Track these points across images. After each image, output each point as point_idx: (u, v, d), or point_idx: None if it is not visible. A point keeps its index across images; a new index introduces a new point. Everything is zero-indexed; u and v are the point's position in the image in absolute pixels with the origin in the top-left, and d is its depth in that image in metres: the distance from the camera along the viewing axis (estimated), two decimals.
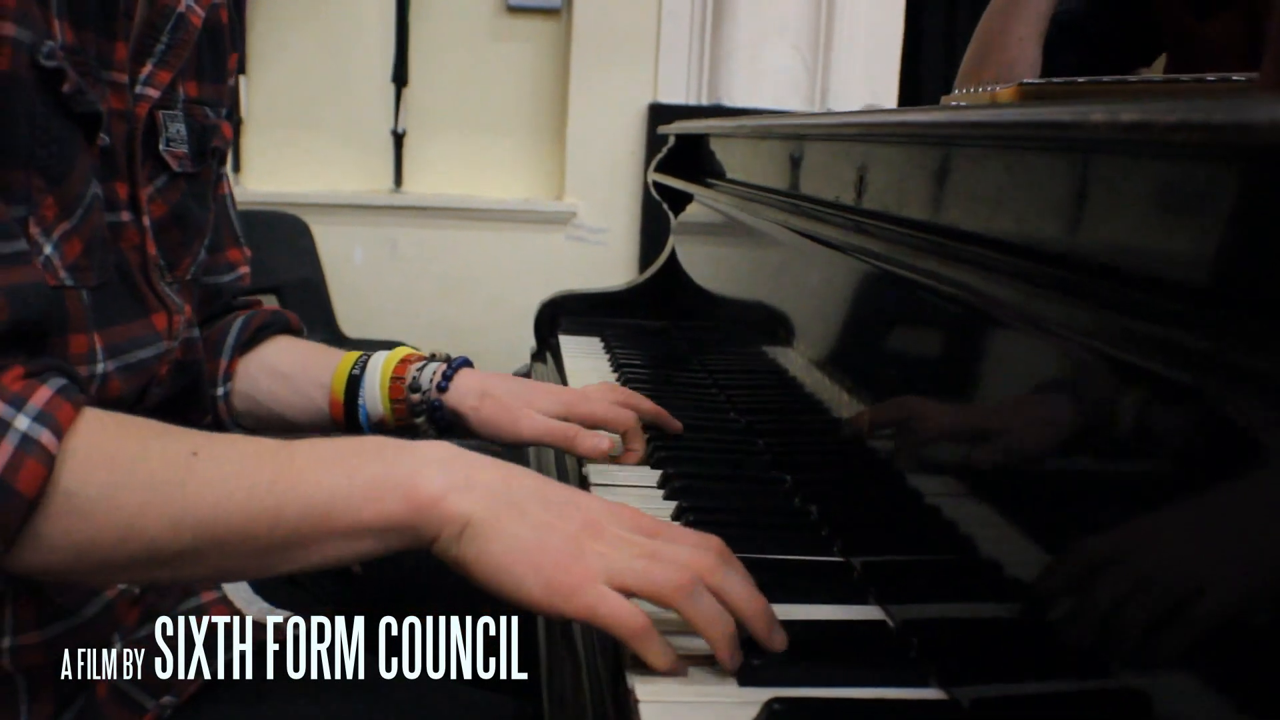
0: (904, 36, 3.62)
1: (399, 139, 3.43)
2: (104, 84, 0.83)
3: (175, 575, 0.73)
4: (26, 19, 0.72)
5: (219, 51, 1.04)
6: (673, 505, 0.93)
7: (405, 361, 1.03)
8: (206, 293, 1.06)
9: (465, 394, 1.00)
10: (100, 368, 0.81)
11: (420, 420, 1.01)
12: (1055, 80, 1.26)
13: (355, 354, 1.05)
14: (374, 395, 1.01)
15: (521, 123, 3.53)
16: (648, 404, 1.07)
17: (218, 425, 1.04)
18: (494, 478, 0.67)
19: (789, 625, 0.67)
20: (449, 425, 1.00)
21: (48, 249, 0.75)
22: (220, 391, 1.03)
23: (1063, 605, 0.54)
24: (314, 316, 3.31)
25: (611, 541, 0.64)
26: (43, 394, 0.65)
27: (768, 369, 1.17)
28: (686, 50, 3.40)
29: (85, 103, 0.77)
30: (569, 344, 1.63)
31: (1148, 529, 0.47)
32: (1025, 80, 1.26)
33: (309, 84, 3.43)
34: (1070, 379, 0.56)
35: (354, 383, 1.01)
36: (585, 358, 1.54)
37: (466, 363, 1.05)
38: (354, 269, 3.44)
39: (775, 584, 0.71)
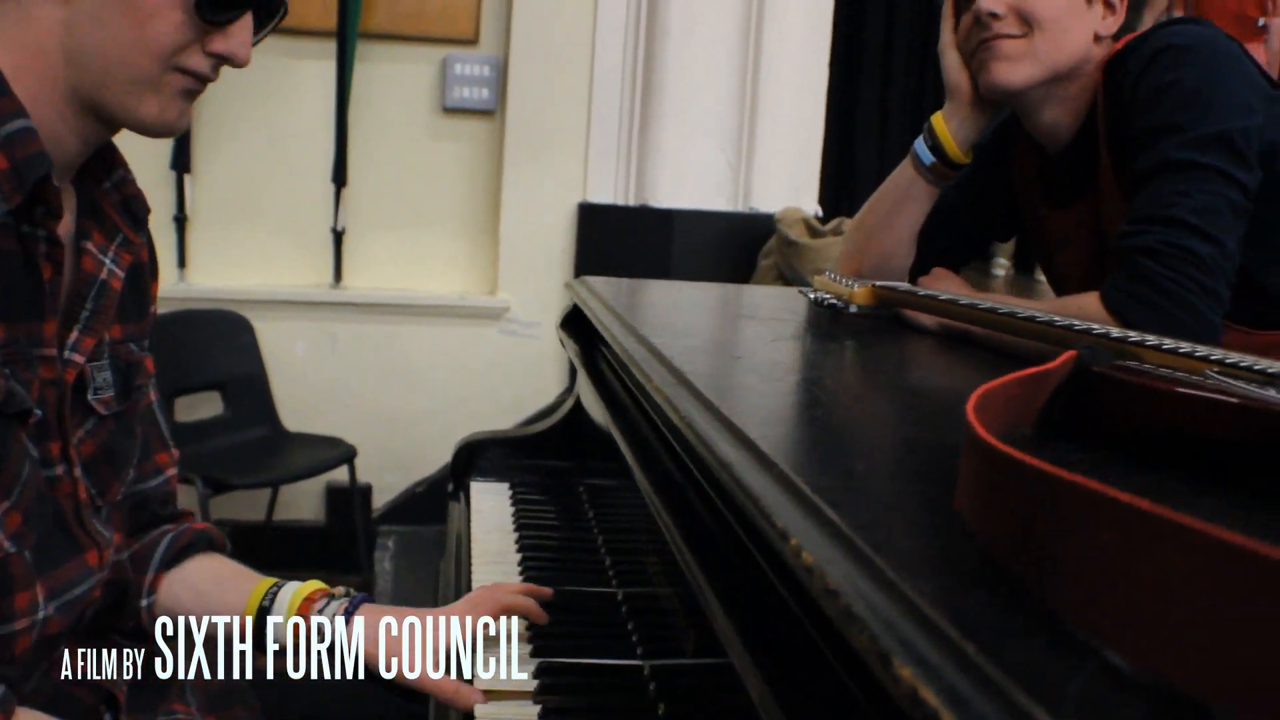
0: (837, 139, 3.80)
1: (338, 236, 3.56)
2: (35, 360, 0.94)
3: None
4: None
5: (141, 288, 1.14)
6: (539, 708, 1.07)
7: (309, 600, 1.12)
8: (134, 501, 1.17)
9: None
10: (41, 614, 0.94)
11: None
12: (899, 288, 1.42)
13: (268, 582, 1.15)
14: (280, 628, 1.11)
15: (457, 220, 3.67)
16: (520, 603, 1.19)
17: (139, 630, 1.16)
18: None
19: None
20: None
21: None
22: (144, 603, 1.14)
23: None
24: (256, 411, 3.42)
25: None
26: None
27: (648, 531, 1.29)
28: (615, 151, 3.55)
29: (15, 403, 0.89)
30: (479, 495, 1.76)
31: None
32: (878, 284, 1.44)
33: (252, 182, 3.56)
34: None
35: (263, 613, 1.12)
36: (492, 512, 1.67)
37: (367, 599, 1.14)
38: (295, 363, 3.56)
39: None
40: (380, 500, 3.72)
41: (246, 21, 0.99)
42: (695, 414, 0.88)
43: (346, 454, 3.29)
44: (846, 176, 3.97)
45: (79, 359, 1.00)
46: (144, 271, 1.14)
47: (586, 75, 3.53)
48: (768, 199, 3.56)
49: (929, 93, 4.01)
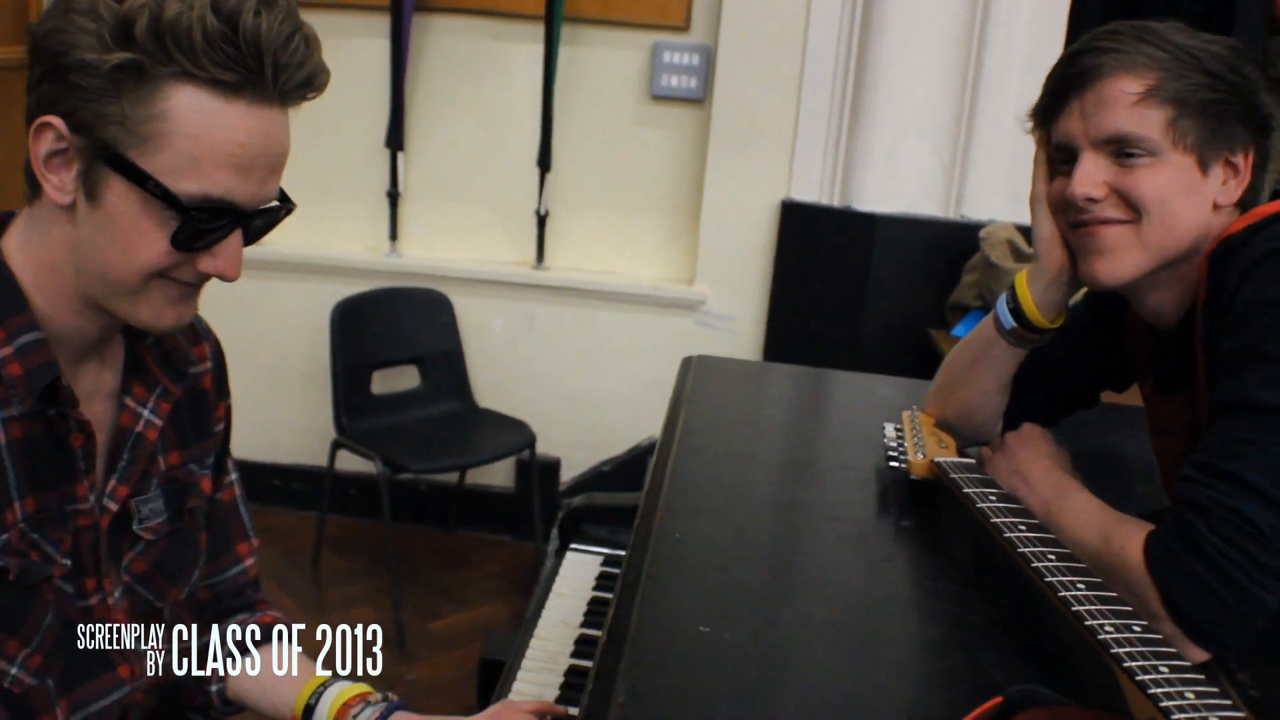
0: None
1: (542, 219, 3.60)
2: (69, 515, 1.07)
3: None
4: None
5: (203, 413, 1.26)
6: None
7: (347, 706, 1.22)
8: (209, 594, 1.31)
9: None
10: None
11: None
12: (952, 474, 1.30)
13: (318, 681, 1.25)
14: None
15: (659, 208, 3.63)
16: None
17: (209, 709, 1.30)
18: None
19: None
20: None
21: (13, 670, 1.03)
22: (214, 689, 1.29)
23: None
24: (450, 386, 3.56)
25: None
26: None
27: None
28: (821, 148, 3.40)
29: (33, 574, 1.03)
30: (570, 568, 1.76)
31: None
32: (935, 460, 1.34)
33: (462, 161, 3.63)
34: None
35: (309, 711, 1.23)
36: (572, 595, 1.67)
37: (401, 706, 1.23)
38: (492, 341, 3.65)
39: None
40: (568, 474, 3.79)
41: (234, 239, 1.03)
42: None
43: (527, 440, 3.37)
44: None
45: (112, 506, 1.13)
46: (206, 396, 1.27)
47: (797, 67, 3.39)
48: (982, 206, 3.34)
49: None
